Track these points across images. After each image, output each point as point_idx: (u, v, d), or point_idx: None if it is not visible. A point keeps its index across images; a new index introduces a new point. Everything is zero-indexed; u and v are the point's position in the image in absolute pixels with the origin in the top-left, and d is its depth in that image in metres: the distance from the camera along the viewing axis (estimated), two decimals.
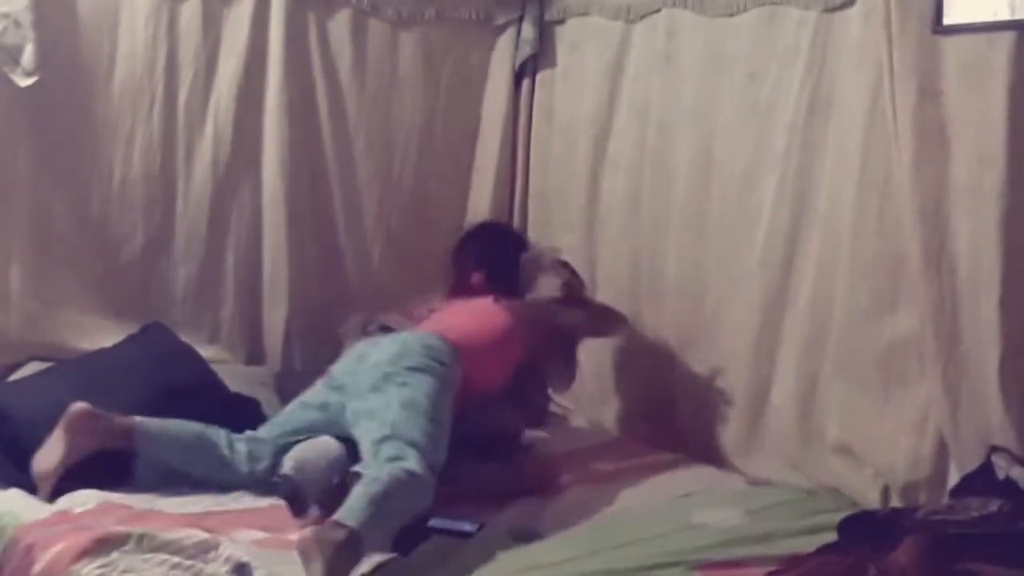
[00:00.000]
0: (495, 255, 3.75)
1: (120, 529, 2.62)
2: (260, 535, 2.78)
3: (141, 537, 2.58)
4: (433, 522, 2.82)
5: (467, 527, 2.84)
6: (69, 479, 3.00)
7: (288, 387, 3.67)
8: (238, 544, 2.67)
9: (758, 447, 3.44)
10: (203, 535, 2.64)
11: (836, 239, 3.20)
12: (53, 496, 2.97)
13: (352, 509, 2.61)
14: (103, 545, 2.55)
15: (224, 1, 3.79)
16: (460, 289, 3.71)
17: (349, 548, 2.52)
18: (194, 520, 2.84)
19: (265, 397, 3.60)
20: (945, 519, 2.57)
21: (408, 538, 2.70)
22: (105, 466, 3.05)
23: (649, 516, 3.01)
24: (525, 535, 2.85)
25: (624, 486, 3.30)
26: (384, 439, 2.88)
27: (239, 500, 3.07)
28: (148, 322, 3.63)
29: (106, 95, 3.68)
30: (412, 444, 2.86)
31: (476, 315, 3.49)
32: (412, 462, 2.80)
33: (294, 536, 2.66)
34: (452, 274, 3.81)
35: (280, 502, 3.01)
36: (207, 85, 3.80)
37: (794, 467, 3.33)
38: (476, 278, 3.68)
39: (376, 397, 3.04)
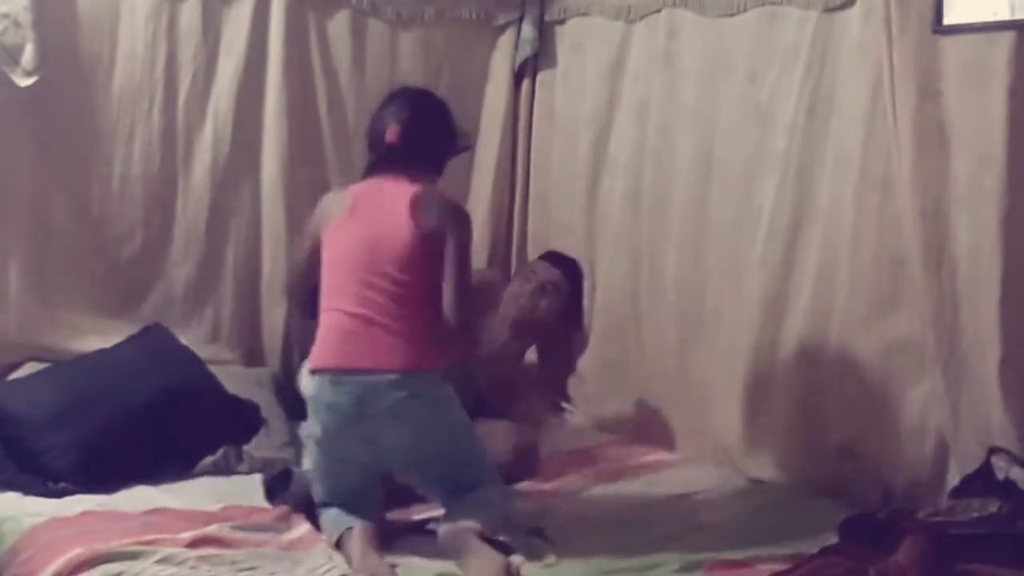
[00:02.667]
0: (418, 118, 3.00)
1: (121, 546, 2.61)
2: (291, 535, 2.78)
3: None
4: (432, 526, 2.84)
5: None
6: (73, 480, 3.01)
7: (287, 388, 3.68)
8: (261, 547, 2.67)
9: (758, 447, 3.43)
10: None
11: (836, 239, 3.20)
12: (53, 495, 2.97)
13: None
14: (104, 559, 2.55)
15: (224, 1, 3.79)
16: (381, 162, 2.96)
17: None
18: (209, 519, 2.85)
19: (264, 398, 3.60)
20: (945, 520, 2.57)
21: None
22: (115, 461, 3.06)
23: (653, 516, 3.01)
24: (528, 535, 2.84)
25: (626, 486, 3.31)
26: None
27: (253, 493, 3.07)
28: (147, 322, 3.63)
29: (106, 95, 3.68)
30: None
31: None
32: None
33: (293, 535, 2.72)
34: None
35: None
36: (207, 85, 3.80)
37: (794, 467, 3.33)
38: (390, 133, 2.94)
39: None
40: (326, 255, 2.87)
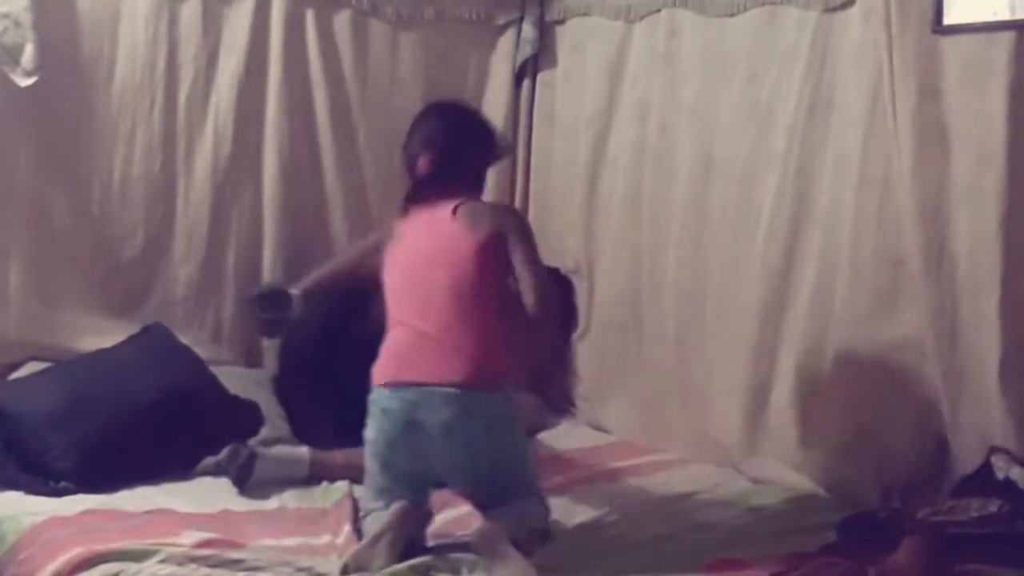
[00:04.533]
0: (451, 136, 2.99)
1: (120, 545, 2.61)
2: (290, 541, 2.77)
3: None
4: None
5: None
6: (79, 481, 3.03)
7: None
8: (265, 551, 2.66)
9: (759, 447, 3.43)
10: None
11: (836, 239, 3.20)
12: (54, 495, 2.98)
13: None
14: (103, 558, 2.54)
15: (224, 1, 3.79)
16: (416, 194, 2.97)
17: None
18: (209, 519, 2.86)
19: (263, 399, 3.60)
20: (945, 520, 2.57)
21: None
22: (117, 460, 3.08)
23: (653, 516, 3.01)
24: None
25: (626, 486, 3.30)
26: None
27: (254, 499, 3.08)
28: (148, 322, 3.63)
29: (106, 95, 3.68)
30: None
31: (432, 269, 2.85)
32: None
33: (322, 540, 2.75)
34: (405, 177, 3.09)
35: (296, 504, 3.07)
36: (207, 85, 3.80)
37: (795, 467, 3.33)
38: (421, 166, 2.95)
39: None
40: (386, 281, 2.91)
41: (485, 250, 2.80)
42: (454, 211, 2.84)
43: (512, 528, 2.69)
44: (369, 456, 2.85)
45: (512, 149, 3.04)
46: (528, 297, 2.78)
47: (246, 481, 3.14)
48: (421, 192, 2.92)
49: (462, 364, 2.74)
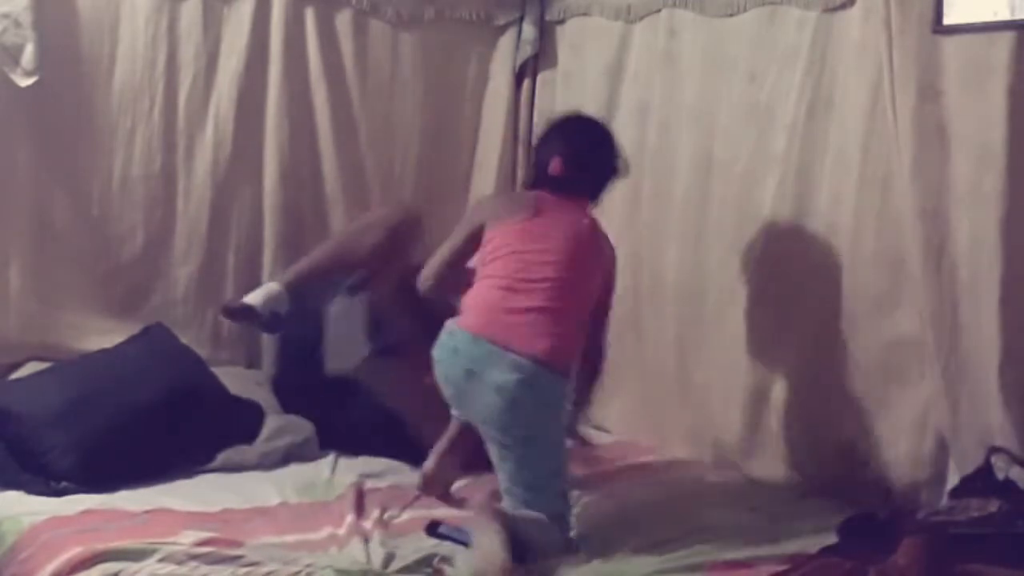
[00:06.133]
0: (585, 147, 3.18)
1: (120, 544, 2.61)
2: (290, 538, 2.78)
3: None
4: (442, 529, 2.86)
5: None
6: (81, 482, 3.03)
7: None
8: (266, 547, 2.67)
9: (759, 447, 3.43)
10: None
11: (836, 239, 3.20)
12: (55, 495, 2.98)
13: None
14: (103, 557, 2.55)
15: (225, 1, 3.80)
16: (548, 188, 3.13)
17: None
18: (209, 518, 2.86)
19: (263, 399, 3.60)
20: (945, 520, 2.57)
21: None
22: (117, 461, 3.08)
23: (653, 516, 3.01)
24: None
25: (627, 487, 3.30)
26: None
27: (254, 496, 3.08)
28: (148, 322, 3.63)
29: (106, 95, 3.68)
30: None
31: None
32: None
33: (323, 534, 2.77)
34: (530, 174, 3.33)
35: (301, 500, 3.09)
36: (207, 85, 3.80)
37: (795, 467, 3.33)
38: (554, 165, 3.12)
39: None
40: (500, 243, 3.03)
41: (601, 271, 3.07)
42: (592, 223, 3.07)
43: (517, 524, 2.69)
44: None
45: (627, 173, 3.31)
46: (601, 331, 3.13)
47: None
48: (550, 187, 3.10)
49: (542, 342, 2.86)
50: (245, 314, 3.39)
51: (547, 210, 3.06)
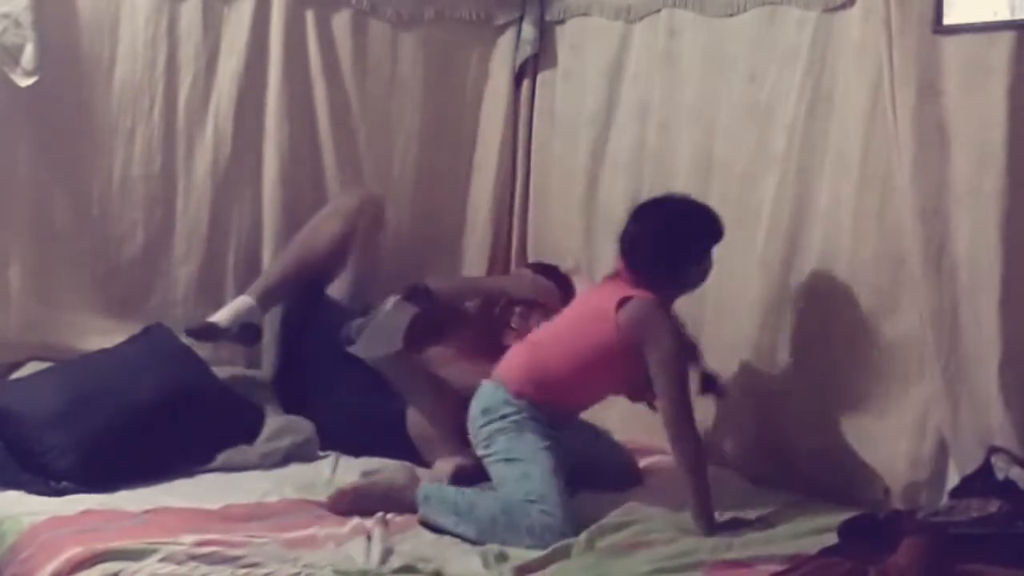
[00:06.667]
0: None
1: (120, 544, 2.60)
2: (290, 536, 2.78)
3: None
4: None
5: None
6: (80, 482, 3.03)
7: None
8: (266, 546, 2.67)
9: (758, 447, 3.43)
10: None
11: (836, 239, 3.20)
12: (55, 495, 2.98)
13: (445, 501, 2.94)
14: (103, 557, 2.55)
15: (224, 1, 3.79)
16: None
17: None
18: (209, 518, 2.86)
19: (264, 399, 3.60)
20: (945, 520, 2.57)
21: None
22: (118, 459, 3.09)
23: (654, 516, 3.01)
24: None
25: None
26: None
27: (254, 496, 3.08)
28: (148, 322, 3.63)
29: (106, 95, 3.68)
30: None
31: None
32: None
33: (324, 532, 2.79)
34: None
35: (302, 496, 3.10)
36: (207, 85, 3.80)
37: (794, 467, 3.33)
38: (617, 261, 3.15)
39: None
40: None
41: (617, 345, 3.02)
42: (609, 304, 3.02)
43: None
44: None
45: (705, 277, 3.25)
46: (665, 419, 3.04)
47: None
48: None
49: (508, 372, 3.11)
50: (210, 332, 3.50)
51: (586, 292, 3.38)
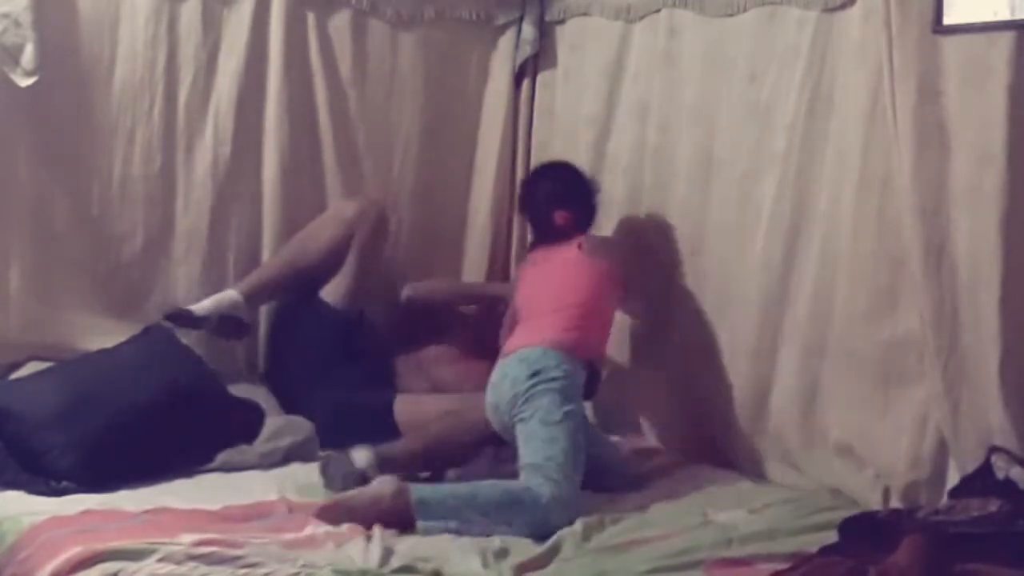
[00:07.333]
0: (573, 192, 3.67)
1: (120, 544, 2.60)
2: (290, 536, 2.78)
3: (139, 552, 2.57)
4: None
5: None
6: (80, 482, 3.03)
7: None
8: (266, 546, 2.66)
9: (759, 447, 3.44)
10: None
11: (836, 239, 3.20)
12: (55, 495, 2.98)
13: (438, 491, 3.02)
14: (103, 557, 2.54)
15: (224, 1, 3.79)
16: (542, 234, 3.66)
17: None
18: (209, 518, 2.86)
19: (263, 399, 3.60)
20: (945, 520, 2.57)
21: None
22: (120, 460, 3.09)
23: (655, 516, 3.01)
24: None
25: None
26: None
27: (254, 496, 3.08)
28: (149, 322, 3.62)
29: (106, 95, 3.68)
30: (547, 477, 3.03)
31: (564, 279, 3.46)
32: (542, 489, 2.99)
33: (322, 531, 2.78)
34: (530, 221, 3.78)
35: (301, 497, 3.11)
36: (207, 85, 3.80)
37: (795, 467, 3.33)
38: (559, 217, 3.60)
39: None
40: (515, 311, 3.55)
41: (605, 275, 3.46)
42: (578, 252, 3.48)
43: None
44: None
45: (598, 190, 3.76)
46: None
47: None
48: (555, 236, 3.59)
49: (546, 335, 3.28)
50: (186, 319, 3.52)
51: (537, 262, 3.56)
